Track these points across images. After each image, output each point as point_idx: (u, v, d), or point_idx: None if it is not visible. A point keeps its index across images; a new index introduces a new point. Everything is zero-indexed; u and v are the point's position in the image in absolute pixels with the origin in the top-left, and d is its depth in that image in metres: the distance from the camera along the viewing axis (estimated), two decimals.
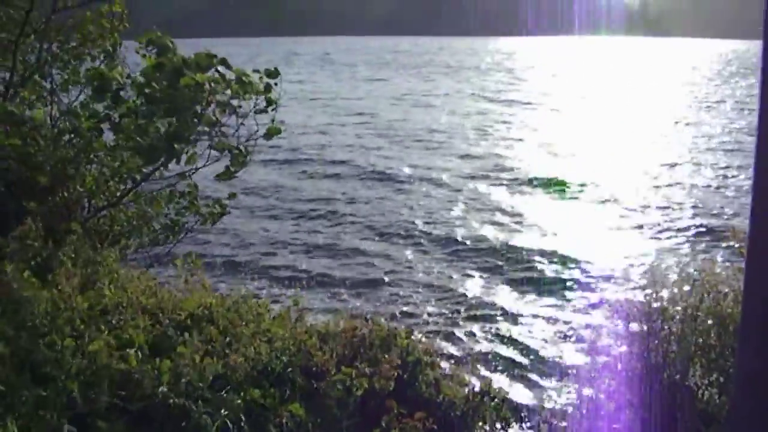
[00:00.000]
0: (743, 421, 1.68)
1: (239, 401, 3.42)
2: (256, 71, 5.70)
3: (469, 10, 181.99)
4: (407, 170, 19.36)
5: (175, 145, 5.58)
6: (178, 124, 5.53)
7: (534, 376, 7.23)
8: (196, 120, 5.62)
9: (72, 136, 6.15)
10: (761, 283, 1.58)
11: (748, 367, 1.64)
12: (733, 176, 18.88)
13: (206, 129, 5.68)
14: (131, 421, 3.24)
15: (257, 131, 5.67)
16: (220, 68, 5.69)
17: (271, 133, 5.67)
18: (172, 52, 5.60)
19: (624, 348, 4.61)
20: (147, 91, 5.61)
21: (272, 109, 5.66)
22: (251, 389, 3.49)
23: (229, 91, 5.68)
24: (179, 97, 5.45)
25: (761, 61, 1.54)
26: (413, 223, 14.20)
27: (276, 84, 5.68)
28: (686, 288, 4.66)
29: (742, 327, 1.73)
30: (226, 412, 3.31)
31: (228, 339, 3.89)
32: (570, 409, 5.16)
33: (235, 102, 5.68)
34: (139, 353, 3.43)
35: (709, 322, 4.46)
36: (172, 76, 5.52)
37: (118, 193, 6.24)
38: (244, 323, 4.13)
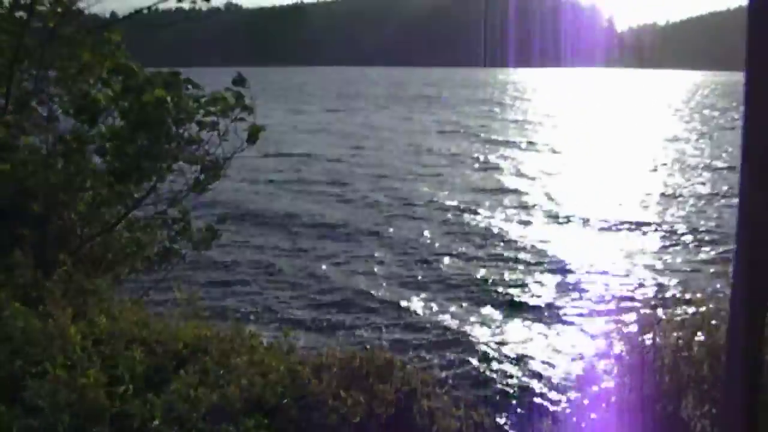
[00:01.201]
0: None
1: (233, 431, 3.39)
2: (227, 89, 5.79)
3: (465, 43, 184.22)
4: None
5: (144, 164, 5.63)
6: (147, 141, 5.61)
7: (527, 408, 7.20)
8: (166, 138, 5.69)
9: (64, 162, 6.16)
10: (745, 317, 1.62)
11: (736, 399, 1.67)
12: (723, 208, 19.02)
13: (178, 146, 5.74)
14: None
15: (242, 144, 5.73)
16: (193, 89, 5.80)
17: (253, 134, 5.72)
18: (137, 75, 5.70)
19: (617, 380, 4.61)
20: (120, 111, 5.72)
21: (249, 114, 5.71)
22: (245, 421, 3.46)
23: (202, 111, 5.77)
24: (143, 114, 5.54)
25: (745, 87, 1.60)
26: (405, 253, 14.22)
27: (247, 87, 5.76)
28: (679, 320, 4.68)
29: (728, 359, 1.75)
30: None
31: (222, 371, 3.86)
32: None
33: (212, 119, 5.76)
34: (131, 386, 3.40)
35: (702, 353, 4.48)
36: (136, 96, 5.63)
37: (113, 220, 6.23)
38: (237, 354, 4.11)
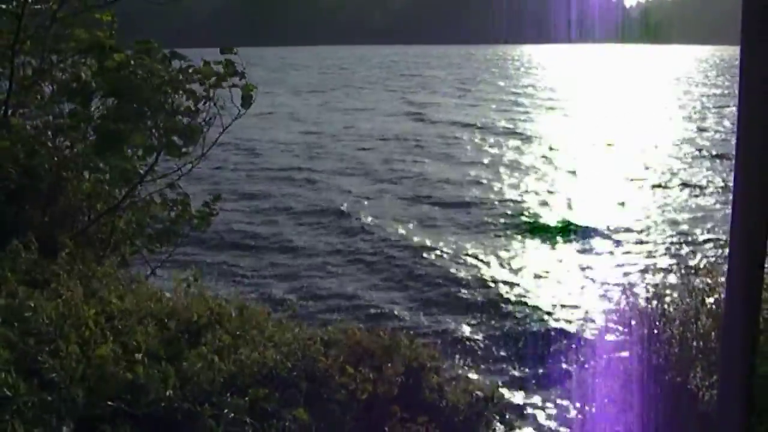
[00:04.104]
0: (728, 411, 1.71)
1: (245, 403, 3.44)
2: (217, 63, 5.78)
3: (470, 19, 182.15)
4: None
5: (111, 126, 5.63)
6: (117, 109, 5.61)
7: (536, 380, 7.27)
8: (144, 107, 5.68)
9: (64, 141, 6.21)
10: (742, 272, 1.62)
11: (732, 359, 1.67)
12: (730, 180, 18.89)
13: (166, 117, 5.74)
14: (136, 426, 3.24)
15: (240, 112, 5.73)
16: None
17: (247, 97, 5.70)
18: (110, 51, 5.71)
19: (625, 351, 4.64)
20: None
21: (241, 79, 5.71)
22: (257, 390, 3.50)
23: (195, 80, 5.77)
24: (110, 83, 5.55)
25: (741, 65, 1.57)
26: (413, 227, 14.23)
27: (235, 53, 5.75)
28: (687, 290, 4.70)
29: (725, 315, 1.76)
30: (232, 415, 3.32)
31: (234, 344, 3.90)
32: (572, 413, 5.18)
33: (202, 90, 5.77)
34: (146, 359, 3.44)
35: (710, 324, 4.49)
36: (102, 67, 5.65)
37: (121, 197, 6.27)
38: (248, 329, 4.15)
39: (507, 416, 4.70)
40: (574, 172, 20.49)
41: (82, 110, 6.07)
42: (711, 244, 12.57)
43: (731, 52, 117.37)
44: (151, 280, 6.22)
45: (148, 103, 5.65)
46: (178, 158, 6.02)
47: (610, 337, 4.96)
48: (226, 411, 3.36)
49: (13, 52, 6.08)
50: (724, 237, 12.09)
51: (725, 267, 4.73)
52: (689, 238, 13.25)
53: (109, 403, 3.23)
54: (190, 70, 5.78)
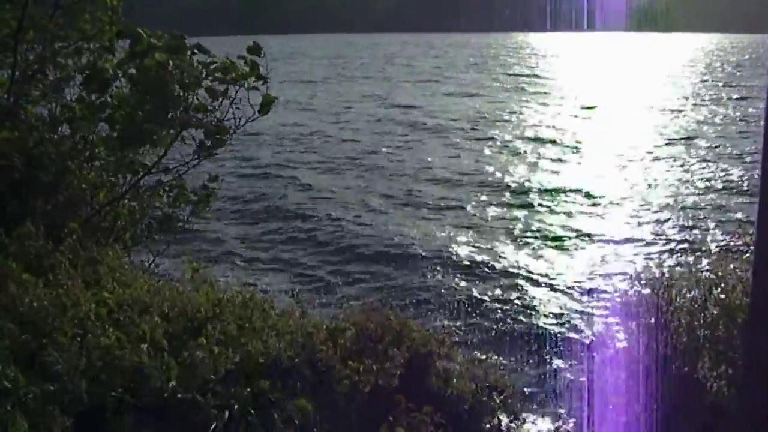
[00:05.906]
0: (752, 402, 1.66)
1: (248, 393, 3.42)
2: (241, 57, 5.75)
3: (472, 7, 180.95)
4: None
5: (147, 128, 5.63)
6: (149, 107, 5.60)
7: (543, 368, 7.24)
8: (171, 104, 5.68)
9: (70, 130, 6.18)
10: None
11: (758, 348, 1.62)
12: (741, 171, 18.71)
13: (185, 112, 5.72)
14: (140, 416, 3.23)
15: (254, 113, 5.71)
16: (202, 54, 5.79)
17: (265, 105, 5.69)
18: (143, 41, 5.68)
19: (634, 339, 4.60)
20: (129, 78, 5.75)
21: (263, 83, 5.68)
22: (260, 381, 3.48)
23: (211, 77, 5.74)
24: (146, 79, 5.55)
25: None
26: (421, 217, 14.20)
27: (263, 56, 5.72)
28: (695, 280, 4.65)
29: (752, 307, 1.71)
30: (236, 406, 3.31)
31: (237, 334, 3.88)
32: (578, 402, 5.15)
33: (222, 87, 5.75)
34: (150, 349, 3.42)
35: (717, 314, 4.44)
36: (139, 61, 5.64)
37: (125, 188, 6.24)
38: (251, 319, 4.12)
39: (512, 405, 4.67)
40: (586, 159, 20.40)
41: (94, 100, 6.05)
42: (718, 234, 12.50)
43: (737, 41, 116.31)
44: (154, 269, 6.21)
45: (172, 100, 5.65)
46: (207, 157, 6.03)
47: (617, 327, 4.93)
48: (232, 402, 3.35)
49: (16, 41, 6.04)
50: (731, 227, 12.01)
51: (727, 255, 4.66)
52: (696, 228, 13.18)
53: (113, 393, 3.21)
54: (212, 66, 5.75)
